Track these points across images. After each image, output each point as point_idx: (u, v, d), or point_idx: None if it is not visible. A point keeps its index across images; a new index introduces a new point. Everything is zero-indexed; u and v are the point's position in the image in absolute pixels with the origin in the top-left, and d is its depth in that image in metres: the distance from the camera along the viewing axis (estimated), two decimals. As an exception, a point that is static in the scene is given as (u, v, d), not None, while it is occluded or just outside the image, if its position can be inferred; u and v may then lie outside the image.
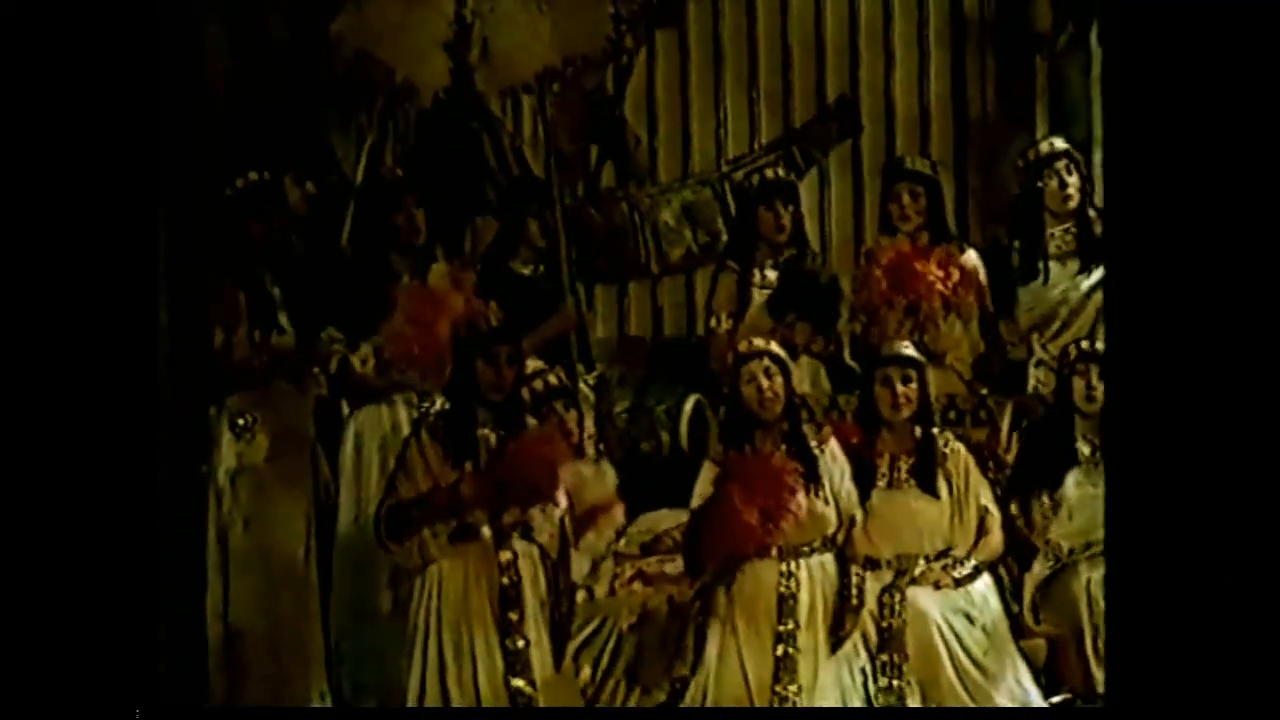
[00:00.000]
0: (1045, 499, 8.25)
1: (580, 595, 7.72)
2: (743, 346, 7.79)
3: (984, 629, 7.86)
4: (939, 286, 8.45)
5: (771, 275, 8.60)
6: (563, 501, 7.48)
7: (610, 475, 7.90)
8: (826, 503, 7.62)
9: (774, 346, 7.79)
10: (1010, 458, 8.41)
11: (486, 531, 7.41)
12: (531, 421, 7.58)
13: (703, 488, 7.62)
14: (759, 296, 8.58)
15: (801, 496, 7.57)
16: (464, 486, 7.33)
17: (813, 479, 7.60)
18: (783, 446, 7.64)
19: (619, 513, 7.89)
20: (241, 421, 7.96)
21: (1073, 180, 8.66)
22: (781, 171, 8.99)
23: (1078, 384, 8.26)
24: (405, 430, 7.89)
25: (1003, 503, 8.19)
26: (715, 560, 7.57)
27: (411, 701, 7.36)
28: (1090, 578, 8.12)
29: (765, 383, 7.64)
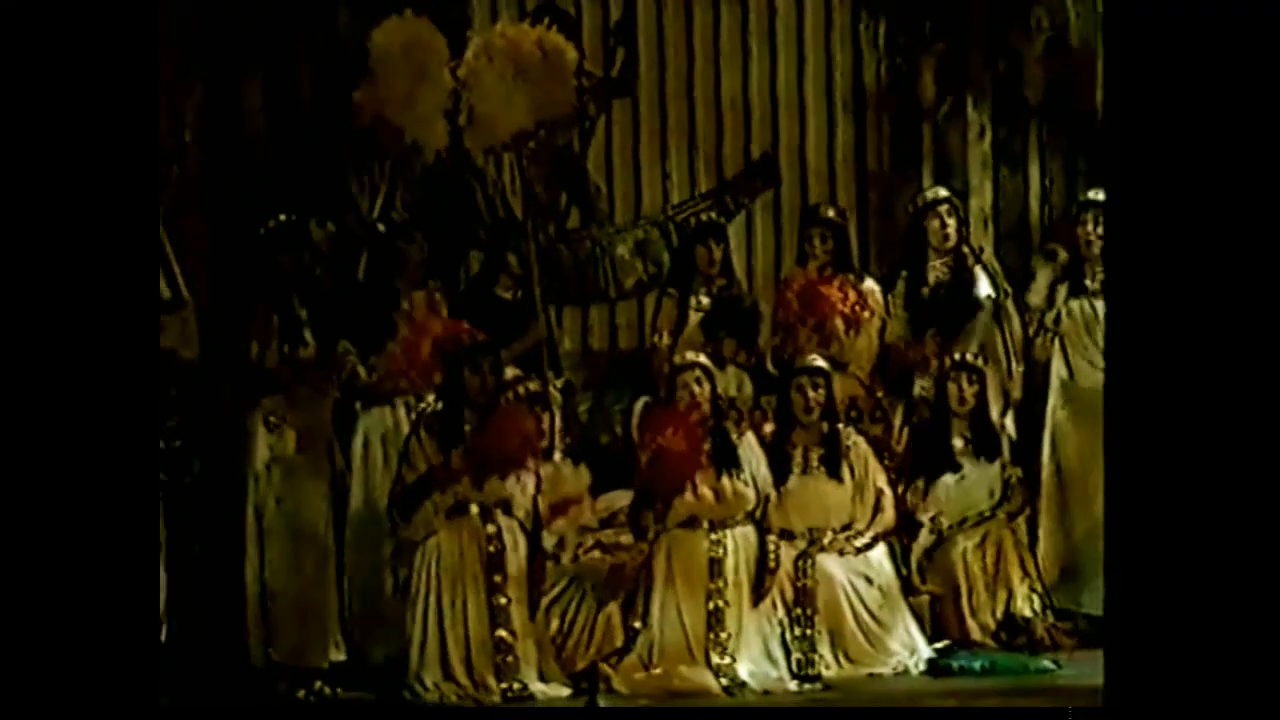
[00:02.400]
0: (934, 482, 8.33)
1: (549, 562, 7.75)
2: (677, 359, 7.92)
3: (880, 588, 7.95)
4: (840, 307, 8.49)
5: (705, 300, 8.65)
6: (533, 468, 7.54)
7: (585, 476, 7.96)
8: (746, 484, 7.69)
9: (703, 359, 7.89)
10: (900, 449, 8.46)
11: (475, 508, 7.45)
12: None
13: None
14: (694, 318, 8.64)
15: (726, 480, 7.64)
16: (454, 459, 7.43)
17: (734, 464, 7.69)
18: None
19: (587, 506, 7.93)
20: (273, 420, 7.92)
21: (951, 222, 8.72)
22: (714, 215, 9.15)
23: (951, 389, 8.35)
24: (404, 427, 7.91)
25: (894, 485, 8.23)
26: (664, 496, 7.60)
27: (414, 647, 7.41)
28: (966, 547, 8.27)
29: (696, 389, 7.74)
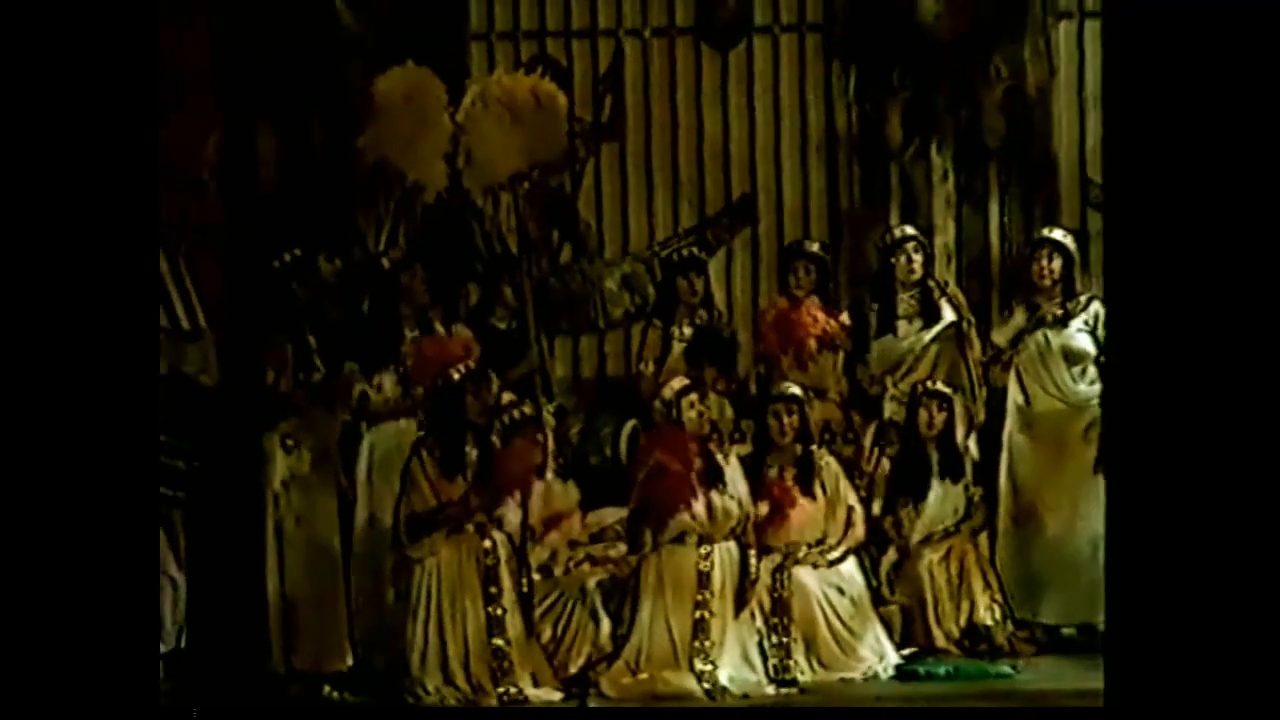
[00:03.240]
0: (911, 507, 8.43)
1: (544, 575, 7.83)
2: (676, 384, 7.99)
3: (851, 599, 8.03)
4: (811, 330, 8.58)
5: (688, 331, 8.71)
6: (531, 497, 7.65)
7: (574, 493, 7.99)
8: (731, 498, 7.79)
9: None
10: (870, 468, 8.54)
11: (471, 526, 7.55)
12: (496, 442, 7.66)
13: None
14: (677, 348, 8.69)
15: (715, 494, 7.73)
16: (472, 498, 7.55)
17: (721, 480, 7.79)
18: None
19: (576, 520, 7.95)
20: (290, 442, 7.97)
21: (917, 258, 8.76)
22: (695, 250, 9.19)
23: (922, 414, 8.46)
24: (406, 447, 7.86)
25: (868, 505, 8.29)
26: (661, 512, 7.68)
27: (416, 652, 7.49)
28: (931, 560, 8.39)
29: (701, 408, 7.88)
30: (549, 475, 8.01)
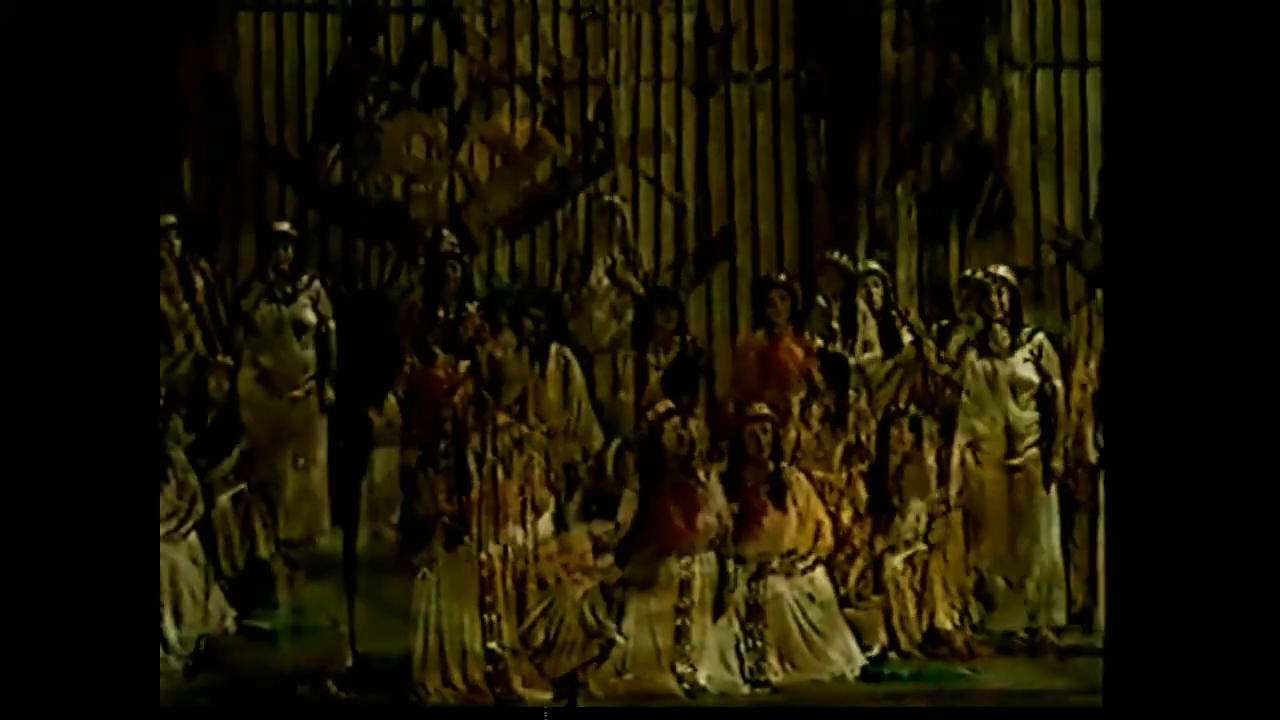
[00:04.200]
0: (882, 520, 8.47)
1: (534, 584, 7.84)
2: (660, 407, 8.08)
3: (821, 605, 8.09)
4: (791, 366, 8.64)
5: (665, 359, 8.76)
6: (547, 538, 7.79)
7: (588, 542, 7.91)
8: (710, 513, 7.86)
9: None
10: (841, 484, 8.48)
11: (469, 538, 7.64)
12: (493, 459, 7.72)
13: (625, 508, 7.95)
14: (654, 375, 8.74)
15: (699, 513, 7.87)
16: (471, 520, 7.63)
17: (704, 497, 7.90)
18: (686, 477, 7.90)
19: (576, 556, 7.87)
20: (300, 461, 8.15)
21: (877, 290, 8.92)
22: (671, 282, 9.45)
23: (893, 431, 8.54)
24: (408, 466, 7.89)
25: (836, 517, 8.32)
26: (655, 548, 7.78)
27: (417, 657, 7.55)
28: (896, 569, 8.43)
29: (683, 433, 7.95)
30: (576, 528, 7.97)
